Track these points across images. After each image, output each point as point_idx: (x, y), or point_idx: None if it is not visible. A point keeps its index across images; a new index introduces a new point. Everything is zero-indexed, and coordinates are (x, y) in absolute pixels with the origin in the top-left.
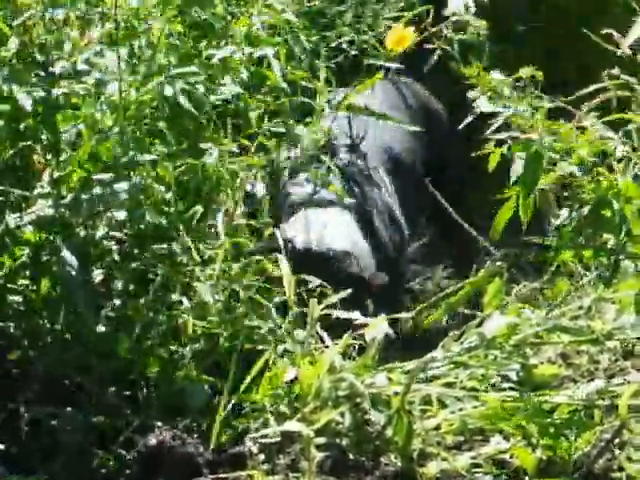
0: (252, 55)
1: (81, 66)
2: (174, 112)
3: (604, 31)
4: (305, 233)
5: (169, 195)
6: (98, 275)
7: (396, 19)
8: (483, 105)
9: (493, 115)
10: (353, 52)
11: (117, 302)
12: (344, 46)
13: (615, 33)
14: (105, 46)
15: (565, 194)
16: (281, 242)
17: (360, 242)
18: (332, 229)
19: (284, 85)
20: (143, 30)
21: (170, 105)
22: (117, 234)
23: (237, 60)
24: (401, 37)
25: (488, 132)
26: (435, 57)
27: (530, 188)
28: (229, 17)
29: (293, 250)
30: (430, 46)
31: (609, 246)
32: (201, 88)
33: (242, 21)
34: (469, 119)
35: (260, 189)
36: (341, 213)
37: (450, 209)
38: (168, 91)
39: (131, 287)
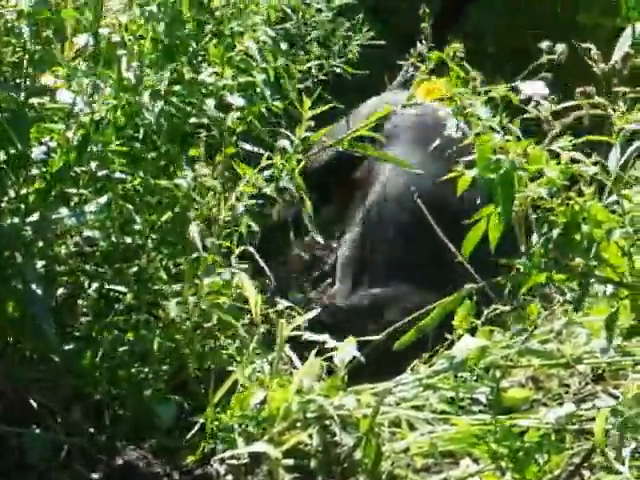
0: (237, 79)
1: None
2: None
3: (584, 45)
4: None
5: (138, 218)
6: (64, 293)
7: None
8: (452, 127)
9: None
10: (322, 76)
11: (83, 320)
12: (313, 71)
13: (594, 49)
14: (85, 62)
15: (534, 216)
16: None
17: None
18: None
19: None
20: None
21: (149, 124)
22: (85, 249)
23: (221, 86)
24: (431, 89)
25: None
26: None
27: (506, 210)
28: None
29: None
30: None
31: (579, 270)
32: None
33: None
34: (438, 141)
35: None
36: None
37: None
38: (150, 111)
39: (97, 306)
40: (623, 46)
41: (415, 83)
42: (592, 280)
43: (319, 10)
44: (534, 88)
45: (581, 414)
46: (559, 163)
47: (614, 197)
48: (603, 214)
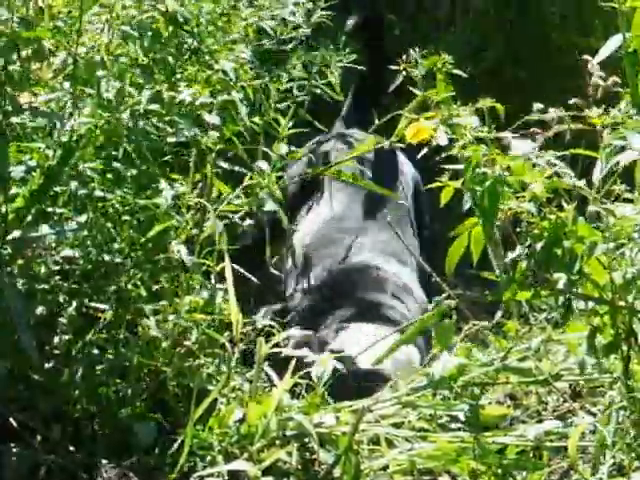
0: (216, 99)
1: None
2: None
3: (584, 57)
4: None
5: (118, 236)
6: (44, 311)
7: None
8: (441, 138)
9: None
10: (302, 97)
11: (63, 338)
12: (294, 91)
13: (592, 61)
14: (64, 81)
15: (517, 230)
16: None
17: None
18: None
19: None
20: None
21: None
22: (65, 267)
23: (199, 105)
24: (419, 130)
25: (438, 161)
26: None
27: (489, 222)
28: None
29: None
30: (394, 67)
31: (560, 285)
32: (163, 127)
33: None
34: (425, 150)
35: None
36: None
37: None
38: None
39: (77, 324)
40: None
41: (402, 122)
42: (573, 296)
43: (297, 27)
44: (522, 146)
45: (560, 431)
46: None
47: (596, 210)
48: (586, 229)
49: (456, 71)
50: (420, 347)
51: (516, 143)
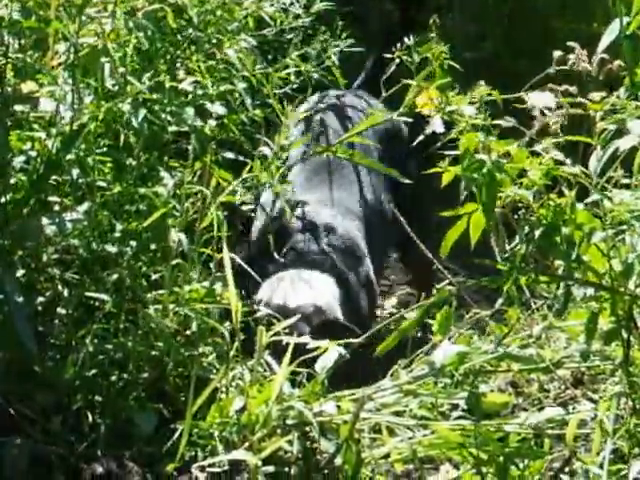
0: (217, 88)
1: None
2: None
3: (568, 43)
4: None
5: (118, 225)
6: (43, 302)
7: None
8: (437, 125)
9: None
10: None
11: (62, 329)
12: (292, 77)
13: (578, 47)
14: (67, 70)
15: (515, 217)
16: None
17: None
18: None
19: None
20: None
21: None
22: (65, 257)
23: (201, 94)
24: (428, 100)
25: (434, 148)
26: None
27: (490, 210)
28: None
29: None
30: (389, 55)
31: (560, 272)
32: (164, 116)
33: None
34: (421, 137)
35: None
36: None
37: (413, 236)
38: (133, 117)
39: (76, 314)
40: (602, 48)
41: (411, 91)
42: (572, 283)
43: (297, 16)
44: (540, 99)
45: (562, 419)
46: (541, 163)
47: (595, 198)
48: (584, 216)
49: (451, 62)
50: (349, 284)
51: (534, 96)
